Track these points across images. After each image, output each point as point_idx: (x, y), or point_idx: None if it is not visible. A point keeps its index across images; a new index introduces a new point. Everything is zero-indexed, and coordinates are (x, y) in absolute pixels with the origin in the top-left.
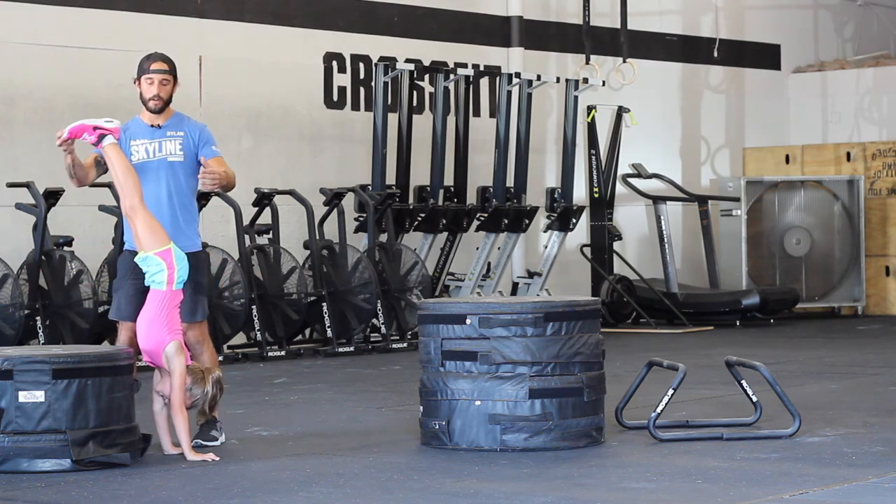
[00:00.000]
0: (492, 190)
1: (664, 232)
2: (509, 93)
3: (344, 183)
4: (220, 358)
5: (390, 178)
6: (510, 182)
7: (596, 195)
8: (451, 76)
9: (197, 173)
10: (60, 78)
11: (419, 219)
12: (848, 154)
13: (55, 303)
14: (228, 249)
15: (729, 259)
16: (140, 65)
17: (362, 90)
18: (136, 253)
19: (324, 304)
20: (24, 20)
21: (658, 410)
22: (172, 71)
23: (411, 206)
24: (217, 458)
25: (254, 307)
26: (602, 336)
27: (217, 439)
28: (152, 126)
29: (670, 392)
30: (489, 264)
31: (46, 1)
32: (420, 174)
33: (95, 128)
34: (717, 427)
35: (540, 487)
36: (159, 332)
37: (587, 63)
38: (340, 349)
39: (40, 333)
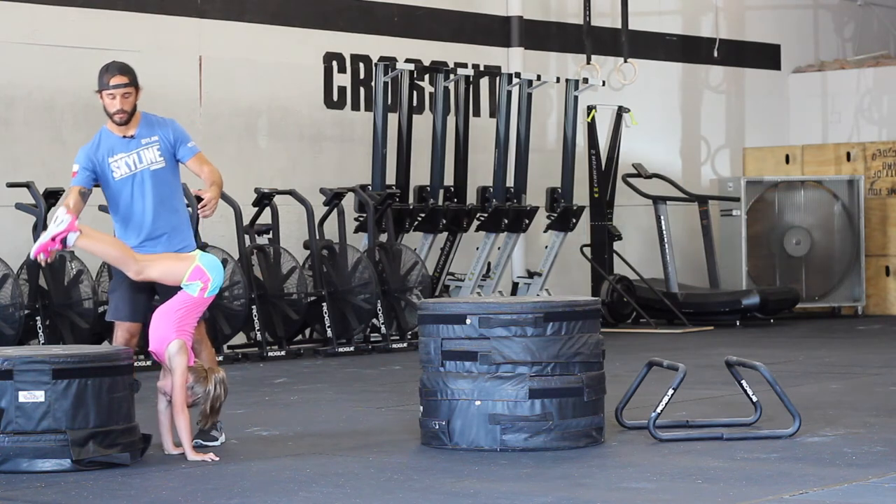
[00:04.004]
0: (492, 190)
1: (664, 232)
2: (509, 93)
3: (344, 183)
4: (220, 358)
5: (390, 178)
6: (510, 182)
7: (596, 195)
8: (451, 76)
9: (178, 170)
10: (60, 78)
11: (419, 219)
12: (848, 154)
13: (55, 303)
14: (228, 249)
15: (729, 259)
16: (99, 78)
17: (362, 90)
18: None
19: (324, 304)
20: (24, 20)
21: (658, 410)
22: (133, 81)
23: (411, 206)
24: (217, 458)
25: (254, 307)
26: (602, 336)
27: (217, 439)
28: (125, 137)
29: (670, 392)
30: (489, 264)
31: (46, 1)
32: (420, 174)
33: (53, 238)
34: (717, 427)
35: (540, 487)
36: (167, 328)
37: (588, 63)
38: (340, 349)
39: (40, 333)
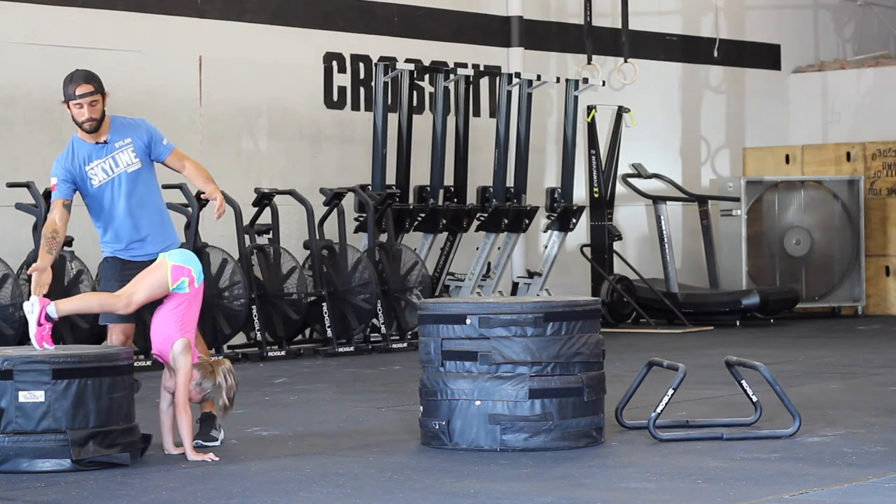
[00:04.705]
0: (492, 190)
1: (664, 232)
2: (509, 93)
3: (344, 183)
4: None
5: (390, 178)
6: (510, 182)
7: (596, 195)
8: (451, 76)
9: (153, 168)
10: (60, 78)
11: (419, 219)
12: (848, 154)
13: None
14: (228, 249)
15: (729, 259)
16: (64, 89)
17: (362, 90)
18: (119, 259)
19: (324, 304)
20: (24, 20)
21: (658, 410)
22: (99, 88)
23: (411, 206)
24: (217, 458)
25: (254, 307)
26: (602, 336)
27: (217, 439)
28: (98, 143)
29: (670, 392)
30: (489, 264)
31: (46, 1)
32: (420, 174)
33: (39, 323)
34: (717, 427)
35: (540, 487)
36: (170, 328)
37: (589, 63)
38: (340, 349)
39: None
